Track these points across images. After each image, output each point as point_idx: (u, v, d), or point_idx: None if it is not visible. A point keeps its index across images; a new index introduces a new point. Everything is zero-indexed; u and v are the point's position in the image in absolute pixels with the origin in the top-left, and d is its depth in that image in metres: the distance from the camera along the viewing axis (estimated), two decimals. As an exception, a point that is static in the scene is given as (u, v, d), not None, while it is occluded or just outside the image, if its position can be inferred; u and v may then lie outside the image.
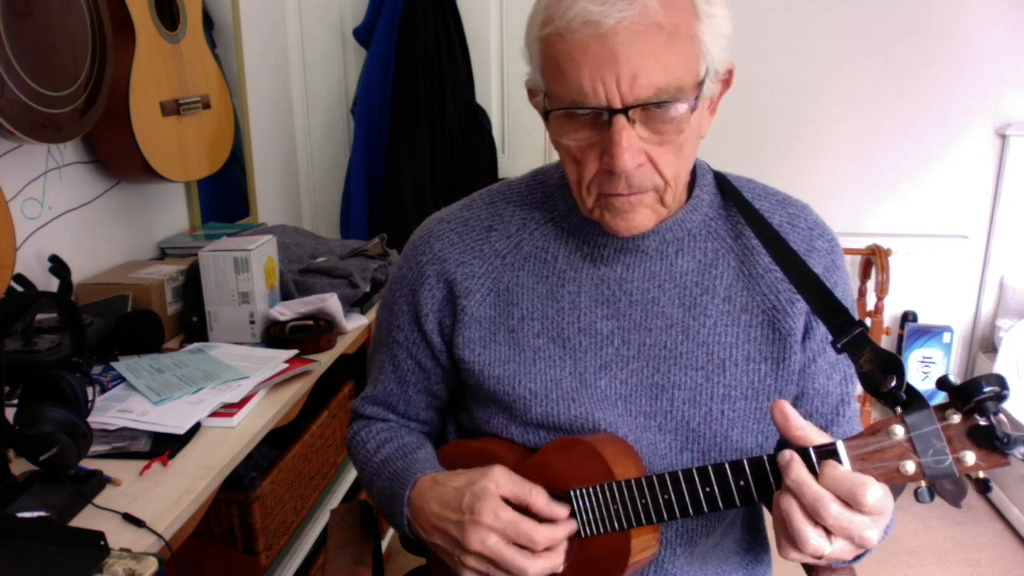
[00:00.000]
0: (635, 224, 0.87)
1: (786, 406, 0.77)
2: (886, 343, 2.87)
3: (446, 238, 0.99)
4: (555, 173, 0.99)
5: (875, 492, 0.71)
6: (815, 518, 0.72)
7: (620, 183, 0.83)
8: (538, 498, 0.86)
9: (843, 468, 0.73)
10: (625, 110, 0.78)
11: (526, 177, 1.02)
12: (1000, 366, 2.51)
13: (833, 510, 0.71)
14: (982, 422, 0.71)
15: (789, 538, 0.74)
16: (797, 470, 0.74)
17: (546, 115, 0.84)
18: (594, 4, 0.75)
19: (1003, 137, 2.72)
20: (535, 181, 1.01)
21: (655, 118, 0.80)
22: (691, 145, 0.85)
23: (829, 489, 0.72)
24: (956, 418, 0.72)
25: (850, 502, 0.72)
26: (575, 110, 0.80)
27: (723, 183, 0.97)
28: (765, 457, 0.79)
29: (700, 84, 0.81)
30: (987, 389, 0.69)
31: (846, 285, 0.97)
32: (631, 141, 0.79)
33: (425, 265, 0.99)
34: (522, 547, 0.84)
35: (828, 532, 0.73)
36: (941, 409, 0.73)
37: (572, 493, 0.87)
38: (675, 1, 0.78)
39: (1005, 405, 0.71)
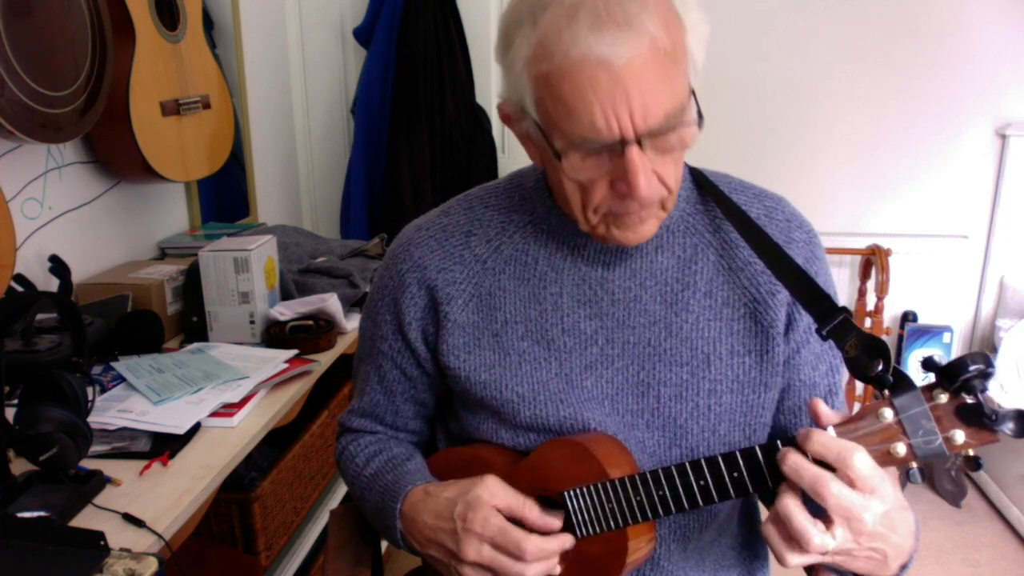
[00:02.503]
0: (644, 235, 0.87)
1: (820, 404, 0.77)
2: (886, 343, 2.87)
3: (425, 245, 0.98)
4: (532, 176, 0.98)
5: (863, 457, 0.71)
6: (815, 498, 0.72)
7: (634, 204, 0.82)
8: (531, 511, 0.86)
9: (829, 433, 0.74)
10: (638, 139, 0.77)
11: (503, 180, 1.02)
12: (1000, 366, 2.51)
13: (833, 488, 0.71)
14: (970, 400, 0.71)
15: (790, 538, 0.74)
16: (792, 456, 0.74)
17: (557, 155, 0.81)
18: (602, 44, 0.73)
19: (1003, 137, 2.72)
20: (512, 184, 1.00)
21: (664, 139, 0.79)
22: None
23: (819, 455, 0.72)
24: (944, 398, 0.72)
25: (839, 467, 0.71)
26: (588, 147, 0.78)
27: (699, 177, 0.97)
28: (757, 447, 0.79)
29: (692, 92, 0.81)
30: (973, 367, 0.70)
31: (827, 276, 0.97)
32: (645, 167, 0.78)
33: (405, 273, 0.98)
34: (513, 556, 0.84)
35: (828, 527, 0.73)
36: (928, 390, 0.73)
37: (566, 494, 0.87)
38: (670, 20, 0.76)
39: (1006, 404, 0.71)
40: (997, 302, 2.83)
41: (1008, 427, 0.70)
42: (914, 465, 0.74)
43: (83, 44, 1.50)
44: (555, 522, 0.87)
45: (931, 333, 2.83)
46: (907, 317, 2.88)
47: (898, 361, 2.82)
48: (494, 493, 0.86)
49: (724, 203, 0.93)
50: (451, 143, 2.68)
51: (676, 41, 0.76)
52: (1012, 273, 2.79)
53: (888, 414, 0.74)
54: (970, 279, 2.85)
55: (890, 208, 2.85)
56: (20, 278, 1.42)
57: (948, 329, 2.82)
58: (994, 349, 2.70)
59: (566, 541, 0.87)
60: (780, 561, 0.76)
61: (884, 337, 2.78)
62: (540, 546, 0.84)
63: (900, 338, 2.88)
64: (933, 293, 2.86)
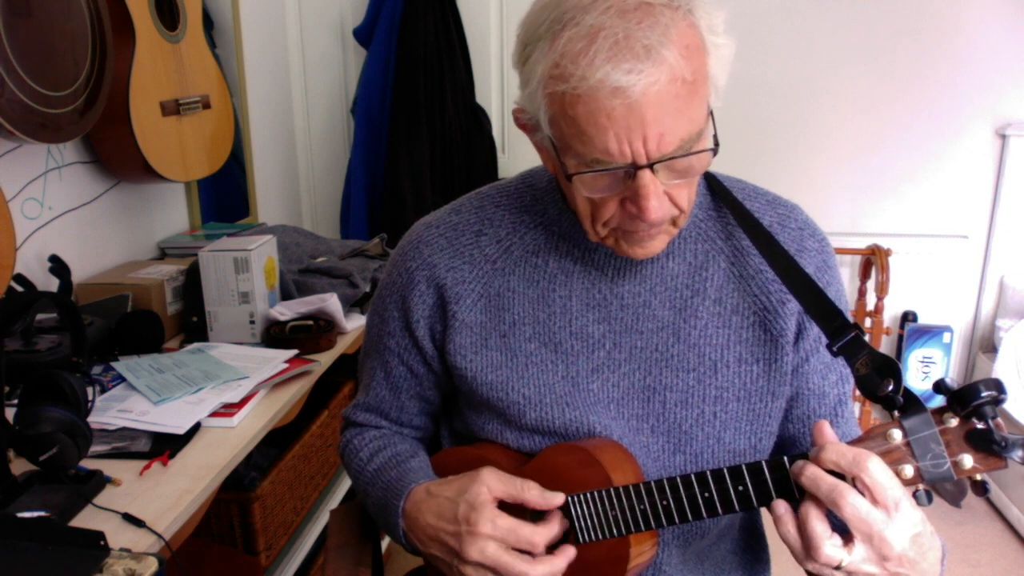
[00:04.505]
0: (652, 250, 0.86)
1: (825, 426, 0.77)
2: (886, 343, 2.87)
3: (435, 243, 0.98)
4: (544, 176, 0.98)
5: (878, 464, 0.71)
6: (833, 508, 0.73)
7: (643, 224, 0.81)
8: (531, 492, 0.86)
9: (842, 444, 0.74)
10: (651, 165, 0.76)
11: (515, 180, 1.01)
12: (1000, 366, 2.51)
13: (850, 498, 0.71)
14: (980, 426, 0.71)
15: (805, 546, 0.75)
16: (811, 468, 0.74)
17: (567, 174, 0.81)
18: (619, 72, 0.71)
19: (1003, 137, 2.72)
20: (524, 184, 1.00)
21: (678, 163, 0.78)
22: None
23: (834, 463, 0.73)
24: (954, 422, 0.72)
25: (855, 472, 0.72)
26: (599, 168, 0.78)
27: (713, 183, 0.96)
28: (764, 462, 0.79)
29: (710, 113, 0.80)
30: (985, 393, 0.70)
31: (839, 285, 0.96)
32: (656, 190, 0.78)
33: (414, 271, 0.98)
34: (523, 551, 0.84)
35: (845, 541, 0.73)
36: (939, 413, 0.73)
37: (570, 499, 0.87)
38: (692, 46, 0.75)
39: (1006, 406, 0.71)
40: (997, 302, 2.83)
41: (1017, 455, 0.70)
42: (921, 487, 0.74)
43: (83, 44, 1.50)
44: (558, 497, 0.86)
45: (931, 333, 2.83)
46: (907, 317, 2.88)
47: (898, 360, 2.82)
48: (492, 487, 0.86)
49: (737, 210, 0.93)
50: (451, 143, 2.68)
51: (697, 68, 0.75)
52: (1012, 273, 2.79)
53: (897, 435, 0.74)
54: (970, 279, 2.85)
55: (890, 208, 2.85)
56: (20, 278, 1.42)
57: (948, 329, 2.82)
58: (994, 349, 2.70)
59: (569, 552, 0.86)
60: (799, 562, 0.77)
61: (884, 337, 2.78)
62: (548, 535, 0.84)
63: (900, 338, 2.87)
64: (933, 293, 2.86)
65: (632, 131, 0.74)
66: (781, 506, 0.77)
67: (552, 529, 0.85)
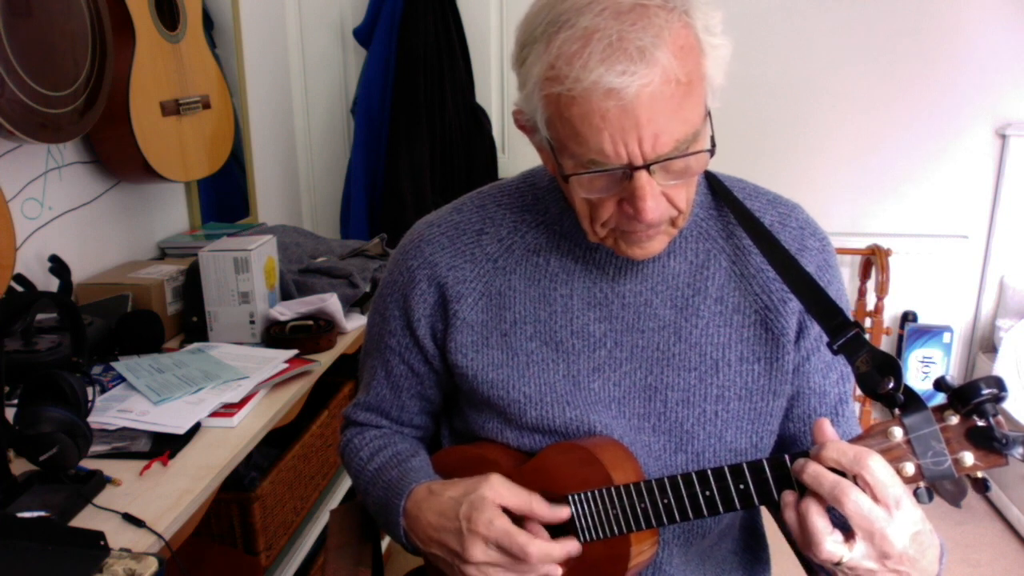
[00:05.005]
0: (651, 251, 0.86)
1: (825, 424, 0.77)
2: (886, 343, 2.87)
3: (436, 242, 0.98)
4: (545, 175, 0.98)
5: (879, 461, 0.72)
6: (835, 505, 0.73)
7: (640, 224, 0.81)
8: (539, 505, 0.86)
9: (843, 442, 0.74)
10: (647, 166, 0.76)
11: (516, 179, 1.01)
12: (1000, 366, 2.51)
13: (852, 495, 0.71)
14: (980, 423, 0.71)
15: (806, 541, 0.75)
16: (813, 465, 0.74)
17: (564, 175, 0.81)
18: (612, 73, 0.72)
19: (1003, 137, 2.72)
20: (525, 183, 1.00)
21: (674, 164, 0.78)
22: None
23: (835, 462, 0.73)
24: (954, 419, 0.72)
25: (856, 470, 0.72)
26: (596, 169, 0.78)
27: (713, 182, 0.96)
28: (765, 460, 0.79)
29: (708, 114, 0.80)
30: (985, 391, 0.70)
31: (840, 284, 0.96)
32: (653, 191, 0.78)
33: (416, 270, 0.98)
34: (517, 559, 0.84)
35: (846, 538, 0.73)
36: (939, 410, 0.73)
37: (570, 498, 0.87)
38: (686, 46, 0.75)
39: (1005, 405, 0.71)
40: (997, 302, 2.83)
41: (1018, 452, 0.70)
42: (921, 485, 0.74)
43: (83, 44, 1.50)
44: (565, 511, 0.86)
45: (931, 333, 2.83)
46: (907, 317, 2.88)
47: (898, 360, 2.82)
48: (499, 492, 0.86)
49: (738, 209, 0.93)
50: (451, 143, 2.68)
51: (692, 69, 0.75)
52: (1012, 273, 2.79)
53: (898, 433, 0.74)
54: (970, 279, 2.85)
55: (890, 208, 2.85)
56: (20, 278, 1.42)
57: (948, 329, 2.82)
58: (994, 349, 2.70)
59: (572, 547, 0.86)
60: (800, 549, 0.77)
61: (884, 337, 2.78)
62: (545, 550, 0.83)
63: (900, 338, 2.87)
64: (933, 293, 2.86)
65: (627, 132, 0.74)
66: (789, 494, 0.77)
67: (552, 549, 0.84)
